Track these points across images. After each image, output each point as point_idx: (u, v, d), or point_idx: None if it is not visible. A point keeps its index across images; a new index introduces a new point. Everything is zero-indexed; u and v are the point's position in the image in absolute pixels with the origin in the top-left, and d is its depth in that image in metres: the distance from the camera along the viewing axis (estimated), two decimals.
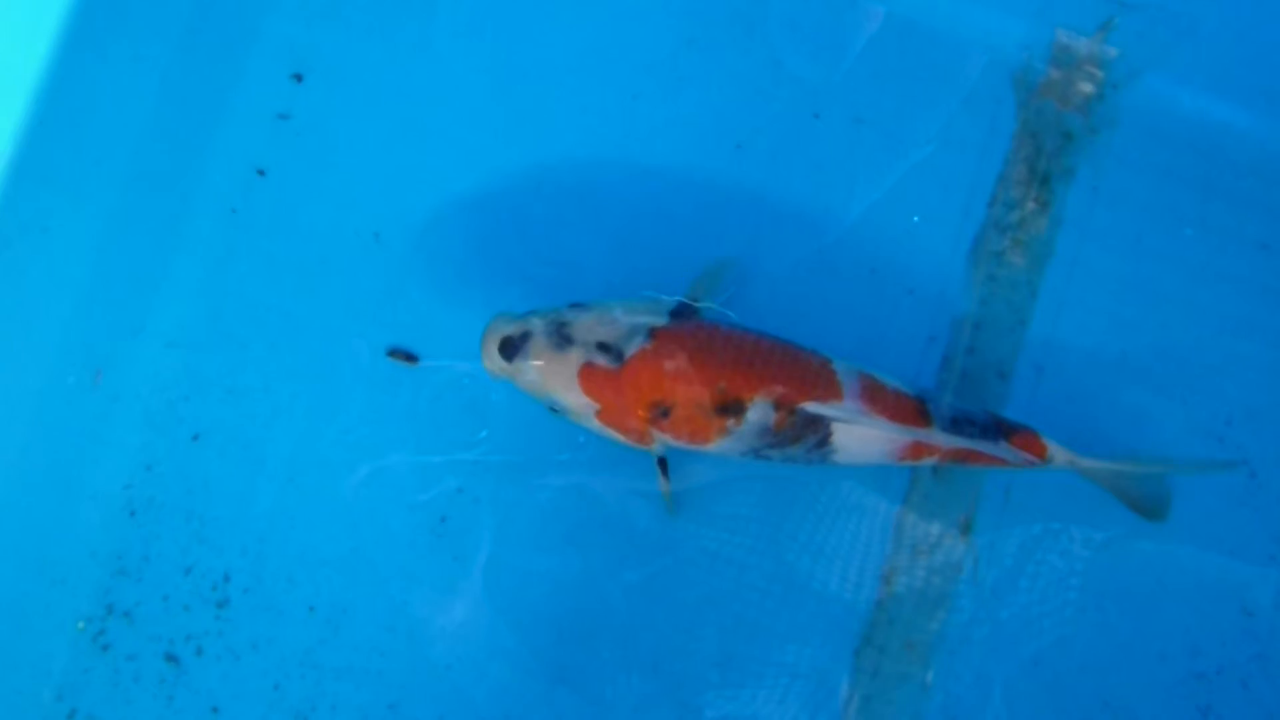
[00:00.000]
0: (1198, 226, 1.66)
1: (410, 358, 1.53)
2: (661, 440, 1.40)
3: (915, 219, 1.63)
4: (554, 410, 1.40)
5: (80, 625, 1.48)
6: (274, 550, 1.51)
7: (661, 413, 1.37)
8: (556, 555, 1.52)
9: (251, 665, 1.48)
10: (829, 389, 1.39)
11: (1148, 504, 1.53)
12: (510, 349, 1.36)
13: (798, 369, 1.40)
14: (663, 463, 1.46)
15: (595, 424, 1.39)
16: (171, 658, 1.48)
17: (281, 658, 1.49)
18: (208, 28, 1.60)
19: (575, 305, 1.40)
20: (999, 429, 1.45)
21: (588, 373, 1.36)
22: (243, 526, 1.51)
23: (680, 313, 1.42)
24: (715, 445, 1.40)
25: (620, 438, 1.41)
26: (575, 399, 1.37)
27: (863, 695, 1.53)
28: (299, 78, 1.58)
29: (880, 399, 1.41)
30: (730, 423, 1.37)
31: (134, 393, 1.53)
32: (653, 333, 1.38)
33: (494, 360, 1.36)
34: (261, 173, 1.56)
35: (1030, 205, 1.64)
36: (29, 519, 1.50)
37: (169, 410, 1.52)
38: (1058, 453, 1.46)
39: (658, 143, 1.63)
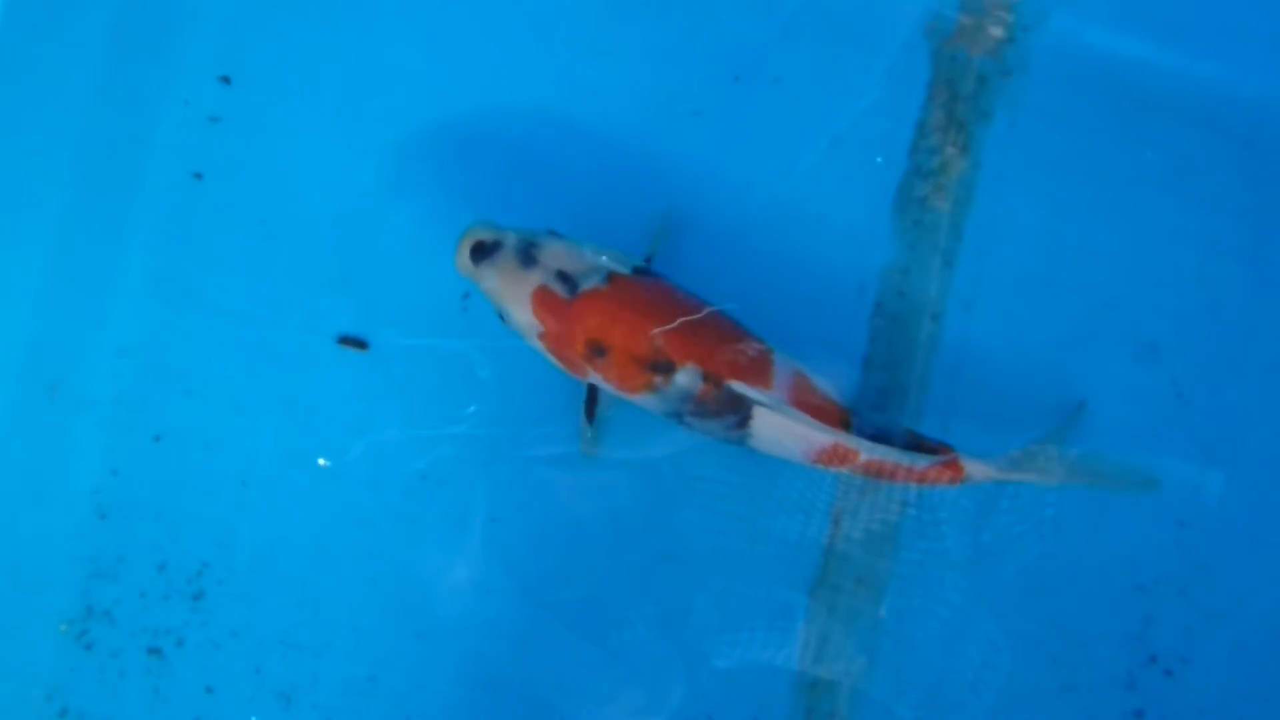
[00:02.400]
0: (1114, 159, 1.71)
1: (360, 344, 1.58)
2: (594, 378, 1.47)
3: (879, 160, 1.67)
4: (503, 320, 1.48)
5: (63, 627, 1.53)
6: (244, 540, 1.56)
7: (597, 352, 1.44)
8: (550, 520, 1.58)
9: (232, 652, 1.54)
10: (760, 376, 1.45)
11: (1097, 468, 1.57)
12: (480, 253, 1.44)
13: (735, 349, 1.46)
14: (592, 396, 1.52)
15: (537, 344, 1.47)
16: (154, 651, 1.54)
17: (261, 642, 1.55)
18: (132, 35, 1.62)
19: (552, 233, 1.48)
20: (919, 448, 1.49)
21: (541, 295, 1.43)
22: (212, 520, 1.56)
23: (645, 269, 1.49)
24: (640, 398, 1.46)
25: (558, 363, 1.47)
26: (524, 316, 1.45)
27: (819, 632, 1.61)
28: (227, 79, 1.61)
29: (807, 398, 1.46)
30: (658, 380, 1.43)
31: (92, 400, 1.57)
32: (611, 277, 1.44)
33: (463, 260, 1.45)
34: (199, 176, 1.60)
35: (950, 150, 1.69)
36: (2, 530, 1.55)
37: (128, 414, 1.56)
38: (976, 469, 1.50)
39: (590, 107, 1.67)
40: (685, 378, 1.43)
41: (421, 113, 1.64)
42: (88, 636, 1.54)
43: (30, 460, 1.55)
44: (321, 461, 1.58)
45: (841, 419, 1.47)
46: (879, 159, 1.67)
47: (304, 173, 1.62)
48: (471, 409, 1.57)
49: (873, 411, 1.52)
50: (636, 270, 1.48)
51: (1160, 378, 1.69)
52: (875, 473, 1.50)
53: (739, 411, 1.45)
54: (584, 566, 1.58)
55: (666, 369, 1.43)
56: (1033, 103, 1.71)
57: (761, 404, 1.43)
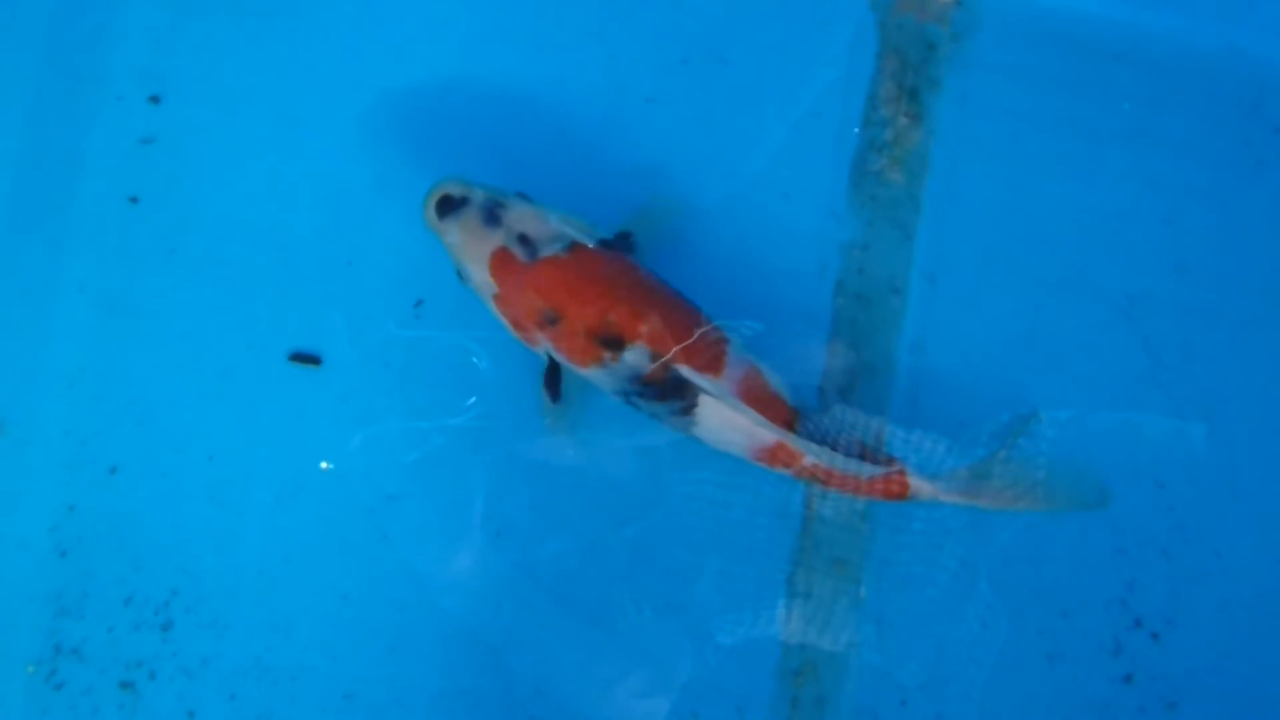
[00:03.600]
0: (1069, 118, 1.69)
1: (312, 359, 1.55)
2: (545, 347, 1.45)
3: (855, 130, 1.64)
4: (461, 278, 1.46)
5: (30, 669, 1.50)
6: (210, 567, 1.53)
7: (550, 320, 1.42)
8: (547, 506, 1.57)
9: (206, 681, 1.52)
10: (711, 364, 1.43)
11: (1043, 488, 1.53)
12: (446, 208, 1.44)
13: (689, 334, 1.43)
14: (553, 373, 1.50)
15: (492, 306, 1.45)
16: (127, 684, 1.52)
17: (234, 668, 1.53)
18: (60, 59, 1.59)
19: (522, 195, 1.46)
20: (867, 460, 1.46)
21: (500, 257, 1.42)
22: (175, 549, 1.53)
23: (610, 244, 1.46)
24: (590, 372, 1.44)
25: (510, 328, 1.46)
26: (481, 275, 1.44)
27: (801, 615, 1.59)
28: (156, 99, 1.58)
29: (755, 393, 1.44)
30: (607, 355, 1.42)
31: (43, 436, 1.54)
32: (573, 246, 1.43)
33: (430, 213, 1.44)
34: (134, 200, 1.56)
35: (902, 121, 1.66)
36: None
37: (81, 448, 1.53)
38: (922, 487, 1.47)
39: (545, 101, 1.63)
40: (634, 356, 1.41)
41: (358, 119, 1.61)
42: (57, 676, 1.52)
43: None
44: (324, 465, 1.56)
45: (789, 419, 1.45)
46: (855, 130, 1.65)
47: (240, 188, 1.59)
48: (471, 400, 1.55)
49: (824, 416, 1.49)
50: (601, 243, 1.45)
51: (1133, 336, 1.67)
52: (818, 478, 1.47)
53: (685, 398, 1.43)
54: (582, 549, 1.57)
55: (616, 345, 1.41)
56: (984, 66, 1.68)
57: (706, 391, 1.41)
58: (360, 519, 1.55)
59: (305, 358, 1.55)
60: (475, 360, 1.52)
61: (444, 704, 1.54)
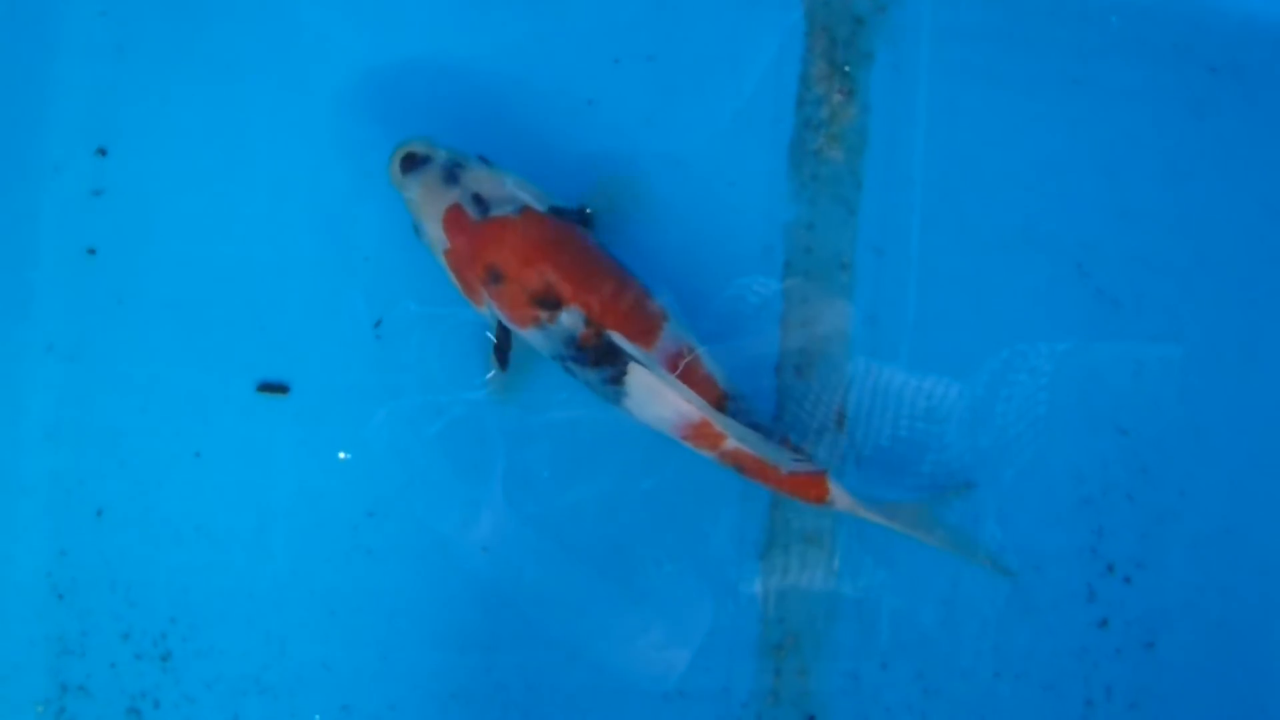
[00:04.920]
0: (1003, 77, 1.70)
1: (281, 388, 1.60)
2: (490, 306, 1.49)
3: (791, 111, 1.67)
4: (417, 233, 1.52)
5: (39, 708, 1.57)
6: (201, 595, 1.59)
7: (494, 277, 1.46)
8: (568, 469, 1.62)
9: (207, 705, 1.58)
10: (645, 335, 1.46)
11: (957, 539, 1.58)
12: (410, 164, 1.49)
13: (626, 303, 1.47)
14: (503, 339, 1.54)
15: (443, 261, 1.50)
16: (133, 712, 1.58)
17: (234, 690, 1.59)
18: (4, 119, 1.62)
19: (483, 159, 1.51)
20: (789, 456, 1.49)
21: (453, 214, 1.47)
22: (167, 581, 1.59)
23: (561, 213, 1.50)
24: (529, 334, 1.49)
25: (458, 284, 1.50)
26: (434, 231, 1.49)
27: (777, 591, 1.63)
28: (103, 152, 1.61)
29: (686, 371, 1.47)
30: (544, 316, 1.46)
31: (28, 487, 1.59)
32: (523, 210, 1.47)
33: (395, 168, 1.50)
34: (92, 251, 1.61)
35: (836, 98, 1.68)
36: None
37: (67, 496, 1.59)
38: (841, 497, 1.51)
39: (486, 111, 1.66)
40: (569, 318, 1.45)
41: (303, 147, 1.64)
42: (66, 713, 1.58)
43: None
44: (342, 455, 1.61)
45: (718, 402, 1.48)
46: (791, 110, 1.67)
47: (192, 230, 1.62)
48: (490, 374, 1.59)
49: (755, 407, 1.52)
50: (552, 209, 1.49)
51: (1086, 287, 1.69)
52: (738, 464, 1.50)
53: (616, 366, 1.46)
54: (600, 505, 1.62)
55: (553, 306, 1.45)
56: (912, 34, 1.69)
57: (637, 361, 1.45)
58: (340, 537, 1.60)
59: (273, 387, 1.60)
60: (489, 335, 1.55)
61: (438, 707, 1.60)
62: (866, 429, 1.64)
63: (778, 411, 1.64)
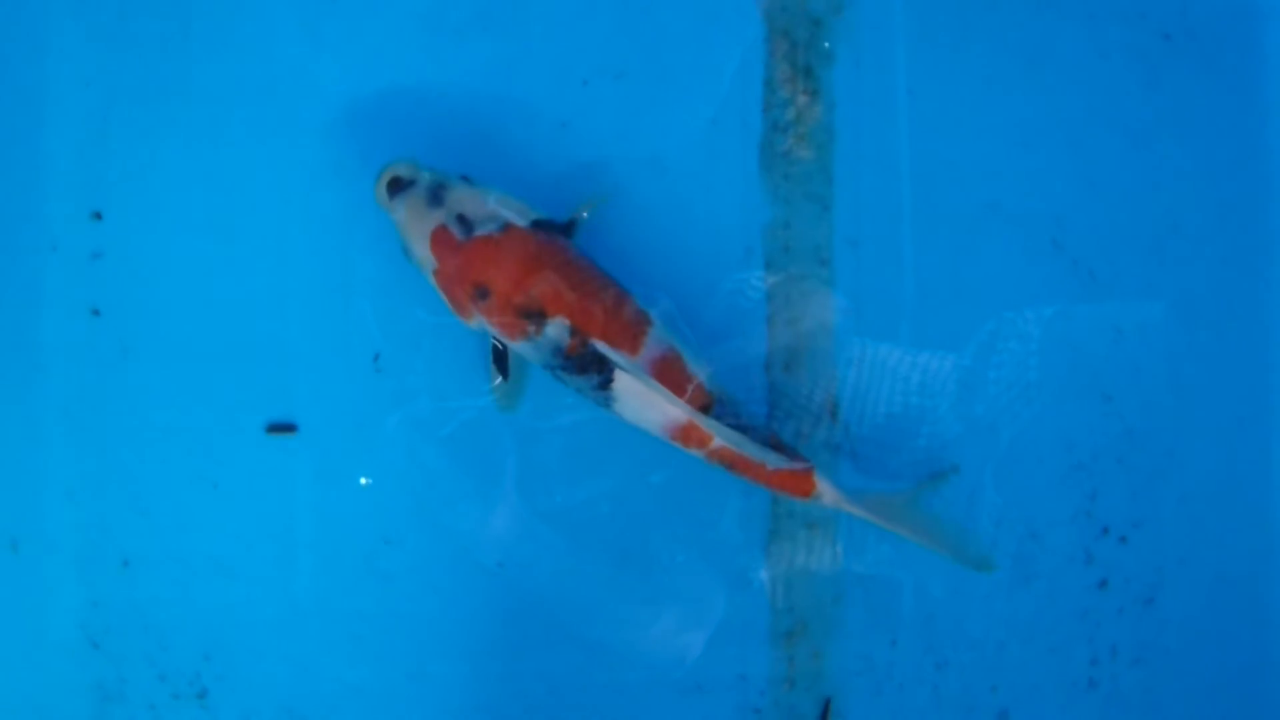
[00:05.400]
0: (961, 61, 1.74)
1: (289, 428, 1.65)
2: (480, 320, 1.54)
3: (758, 115, 1.69)
4: (406, 255, 1.57)
5: None
6: (230, 632, 1.65)
7: (480, 294, 1.52)
8: (579, 465, 1.67)
9: None
10: (629, 341, 1.52)
11: (939, 533, 1.61)
12: (395, 187, 1.55)
13: (609, 311, 1.52)
14: (499, 350, 1.59)
15: (432, 281, 1.55)
16: None
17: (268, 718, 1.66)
18: (2, 189, 1.68)
19: (465, 179, 1.56)
20: (775, 452, 1.53)
21: (439, 234, 1.53)
22: (196, 622, 1.65)
23: (543, 225, 1.55)
24: (519, 346, 1.54)
25: (448, 302, 1.56)
26: (422, 251, 1.54)
27: (785, 579, 1.69)
28: (99, 215, 1.67)
29: (670, 372, 1.52)
30: (531, 329, 1.51)
31: (55, 545, 1.65)
32: (506, 226, 1.52)
33: (381, 192, 1.55)
34: (96, 312, 1.66)
35: (801, 99, 1.72)
36: (7, 680, 1.65)
37: (93, 549, 1.65)
38: (827, 492, 1.56)
39: (465, 138, 1.70)
40: (554, 329, 1.51)
41: (293, 191, 1.68)
42: None
43: (15, 613, 1.65)
44: (363, 480, 1.66)
45: (704, 403, 1.53)
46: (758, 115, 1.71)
47: (190, 284, 1.67)
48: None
49: (741, 405, 1.57)
50: (535, 223, 1.54)
51: (1061, 259, 1.74)
52: (726, 462, 1.55)
53: (603, 372, 1.52)
54: (611, 499, 1.67)
55: (539, 319, 1.51)
56: (870, 29, 1.73)
57: (620, 366, 1.50)
58: (358, 566, 1.66)
59: (282, 427, 1.65)
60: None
61: (467, 719, 1.66)
62: (860, 409, 1.70)
63: (770, 409, 1.69)
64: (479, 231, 1.51)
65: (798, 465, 1.55)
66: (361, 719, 1.66)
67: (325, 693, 1.65)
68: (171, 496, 1.65)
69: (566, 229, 1.59)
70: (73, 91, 1.68)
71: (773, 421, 1.68)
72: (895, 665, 1.69)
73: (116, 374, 1.66)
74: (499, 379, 1.62)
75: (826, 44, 1.73)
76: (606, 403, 1.55)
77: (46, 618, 1.64)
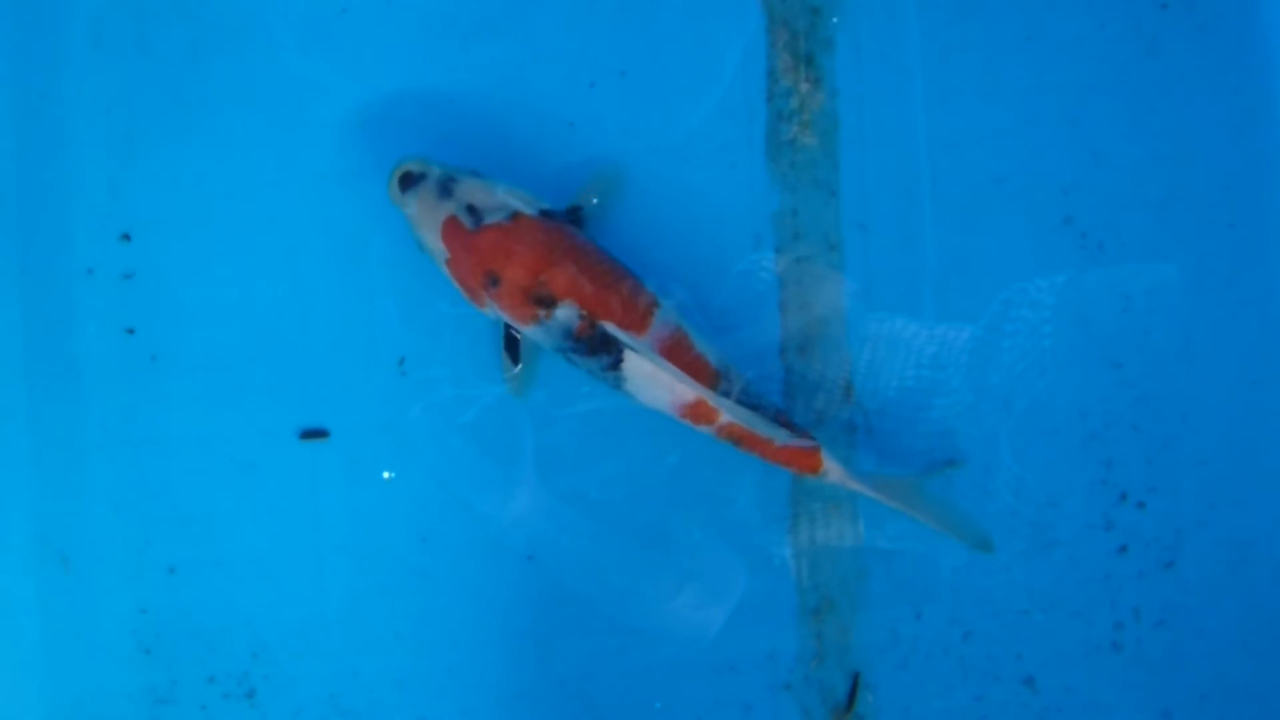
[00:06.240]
0: (960, 42, 1.77)
1: (321, 434, 1.71)
2: (493, 307, 1.59)
3: (763, 105, 1.73)
4: (420, 247, 1.62)
5: None
6: (275, 632, 1.71)
7: (492, 281, 1.57)
8: (596, 447, 1.72)
9: None
10: (637, 322, 1.56)
11: (943, 514, 1.65)
12: (407, 183, 1.60)
13: (617, 293, 1.57)
14: (510, 336, 1.64)
15: (445, 270, 1.60)
16: None
17: (316, 717, 1.70)
18: (32, 219, 1.73)
19: (474, 172, 1.61)
20: (783, 429, 1.58)
21: (450, 225, 1.58)
22: (242, 624, 1.70)
23: (550, 214, 1.60)
24: (531, 331, 1.59)
25: (461, 290, 1.61)
26: (434, 242, 1.59)
27: (808, 556, 1.73)
28: (127, 237, 1.72)
29: (678, 352, 1.57)
30: (542, 313, 1.56)
31: (103, 557, 1.71)
32: (514, 215, 1.57)
33: (393, 188, 1.61)
34: (131, 331, 1.72)
35: (804, 87, 1.75)
36: (66, 689, 1.70)
37: (139, 558, 1.70)
38: (834, 470, 1.60)
39: (472, 143, 1.74)
40: (564, 313, 1.55)
41: (312, 199, 1.73)
42: None
43: (69, 625, 1.71)
44: (386, 475, 1.71)
45: (711, 380, 1.57)
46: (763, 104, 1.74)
47: (221, 300, 1.73)
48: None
49: (749, 384, 1.61)
50: (543, 212, 1.59)
51: (1070, 233, 1.76)
52: (734, 438, 1.59)
53: (612, 354, 1.56)
54: (629, 480, 1.72)
55: (549, 303, 1.55)
56: (868, 15, 1.76)
57: (630, 347, 1.55)
58: (395, 563, 1.71)
59: (314, 433, 1.71)
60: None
61: (506, 708, 1.71)
62: (874, 385, 1.73)
63: (787, 393, 1.73)
64: (488, 220, 1.56)
65: (805, 443, 1.59)
66: (404, 711, 1.71)
67: (369, 687, 1.71)
68: (212, 504, 1.71)
69: (574, 216, 1.64)
70: (94, 119, 1.73)
71: (792, 405, 1.72)
72: (921, 637, 1.73)
73: (152, 389, 1.72)
74: (512, 366, 1.67)
75: (826, 32, 1.75)
76: (617, 383, 1.59)
77: (99, 627, 1.70)
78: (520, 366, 1.67)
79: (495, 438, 1.72)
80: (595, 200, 1.67)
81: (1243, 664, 1.73)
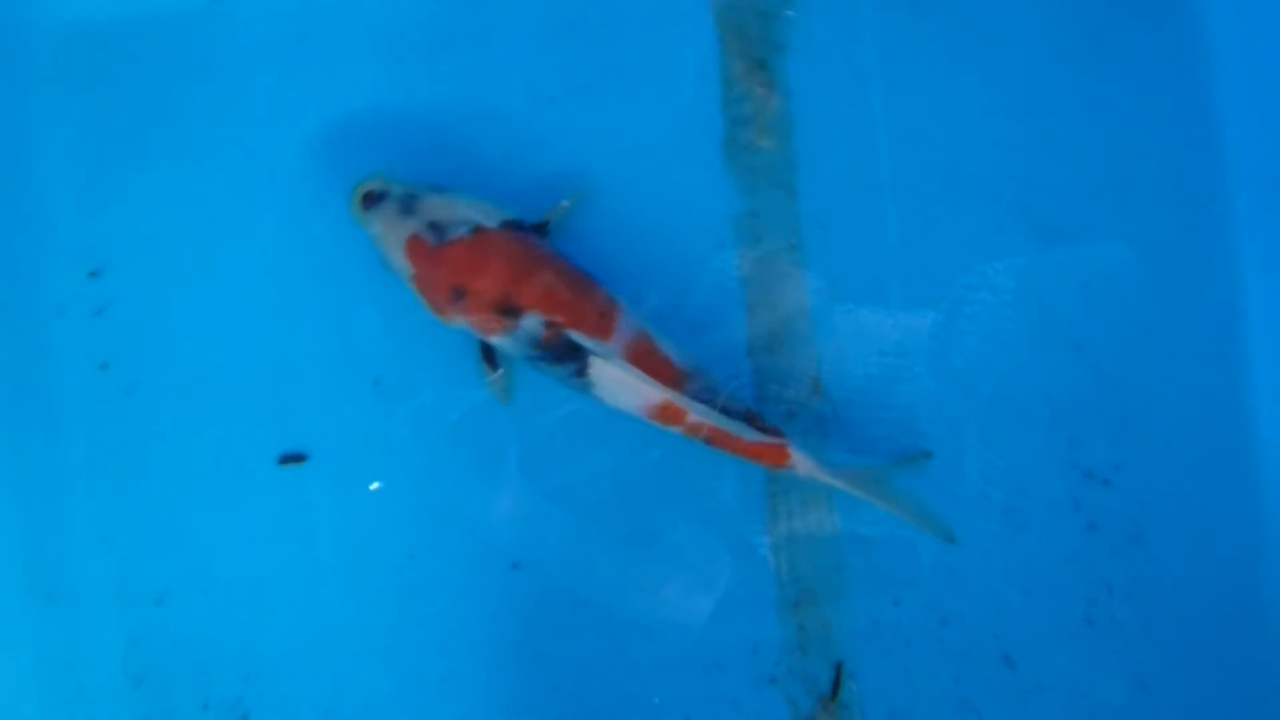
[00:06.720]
0: (911, 41, 1.81)
1: (299, 459, 1.73)
2: (461, 320, 1.61)
3: (718, 112, 1.77)
4: (386, 265, 1.64)
5: None
6: (265, 655, 1.72)
7: (457, 295, 1.59)
8: (579, 445, 1.74)
9: None
10: (601, 328, 1.59)
11: (909, 506, 1.69)
12: (369, 202, 1.63)
13: (580, 301, 1.60)
14: (486, 347, 1.66)
15: (412, 287, 1.62)
16: None
17: None
18: (4, 256, 1.75)
19: (435, 187, 1.64)
20: (750, 425, 1.61)
21: (413, 242, 1.60)
22: (233, 649, 1.72)
23: (512, 225, 1.62)
24: (499, 341, 1.62)
25: (428, 307, 1.62)
26: (399, 260, 1.61)
27: (787, 551, 1.76)
28: (96, 273, 1.74)
29: (644, 356, 1.59)
30: (508, 324, 1.59)
31: (90, 589, 1.72)
32: (476, 229, 1.59)
33: (356, 207, 1.63)
34: (105, 366, 1.73)
35: (759, 91, 1.79)
36: None
37: (126, 590, 1.72)
38: (801, 462, 1.64)
39: (443, 160, 1.77)
40: (530, 323, 1.58)
41: (277, 225, 1.76)
42: None
43: (61, 659, 1.72)
44: (374, 486, 1.74)
45: (677, 381, 1.60)
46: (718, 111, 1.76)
47: (190, 331, 1.75)
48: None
49: (716, 382, 1.64)
50: (505, 224, 1.61)
51: (1026, 222, 1.79)
52: (703, 437, 1.62)
53: (579, 360, 1.59)
54: (613, 476, 1.74)
55: (514, 314, 1.58)
56: (820, 18, 1.80)
57: (595, 354, 1.57)
58: (384, 579, 1.73)
59: (292, 458, 1.73)
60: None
61: (502, 716, 1.73)
62: (841, 374, 1.77)
63: (756, 389, 1.76)
64: (450, 236, 1.59)
65: (772, 439, 1.62)
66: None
67: (364, 703, 1.73)
68: (197, 531, 1.73)
69: (539, 228, 1.67)
70: (57, 157, 1.75)
71: (762, 401, 1.75)
72: (901, 624, 1.76)
73: (130, 422, 1.74)
74: (492, 372, 1.69)
75: (778, 37, 1.79)
76: (586, 389, 1.62)
77: (90, 660, 1.71)
78: (500, 371, 1.69)
79: (479, 441, 1.74)
80: (562, 214, 1.70)
81: (1214, 632, 1.77)
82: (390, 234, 1.61)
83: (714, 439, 1.62)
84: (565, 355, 1.59)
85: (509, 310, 1.58)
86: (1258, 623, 1.76)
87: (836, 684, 1.76)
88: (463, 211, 1.60)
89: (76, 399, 1.73)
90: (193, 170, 1.75)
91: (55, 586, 1.72)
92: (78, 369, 1.73)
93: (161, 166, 1.75)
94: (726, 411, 1.60)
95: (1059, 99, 1.81)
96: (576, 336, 1.57)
